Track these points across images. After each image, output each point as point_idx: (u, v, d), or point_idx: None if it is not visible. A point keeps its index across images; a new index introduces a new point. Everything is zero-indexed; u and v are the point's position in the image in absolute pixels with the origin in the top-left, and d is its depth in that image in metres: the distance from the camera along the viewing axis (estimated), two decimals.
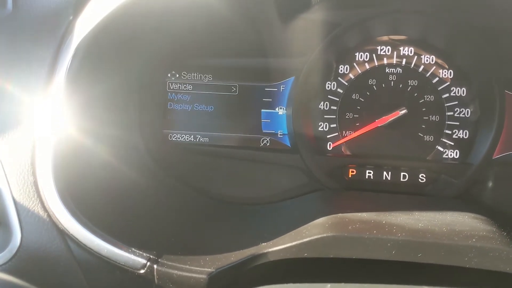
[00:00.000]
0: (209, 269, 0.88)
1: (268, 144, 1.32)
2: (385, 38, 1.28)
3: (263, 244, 0.94)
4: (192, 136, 1.33)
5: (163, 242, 0.97)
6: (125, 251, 0.90)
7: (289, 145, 1.31)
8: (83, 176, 1.01)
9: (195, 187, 1.28)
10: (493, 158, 1.25)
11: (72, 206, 0.93)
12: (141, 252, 0.90)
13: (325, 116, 1.30)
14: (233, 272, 0.89)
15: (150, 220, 1.09)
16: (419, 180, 1.27)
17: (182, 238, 1.01)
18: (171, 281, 0.88)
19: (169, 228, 1.07)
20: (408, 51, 1.27)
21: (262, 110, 1.31)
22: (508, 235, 0.96)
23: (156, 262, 0.89)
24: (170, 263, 0.90)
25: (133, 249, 0.90)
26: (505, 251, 0.87)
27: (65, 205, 0.93)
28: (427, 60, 1.27)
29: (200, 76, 1.32)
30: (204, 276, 0.87)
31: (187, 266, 0.90)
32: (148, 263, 0.89)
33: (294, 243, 0.90)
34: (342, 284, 0.78)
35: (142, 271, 0.89)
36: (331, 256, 0.89)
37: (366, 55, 1.28)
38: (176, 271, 0.89)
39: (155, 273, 0.89)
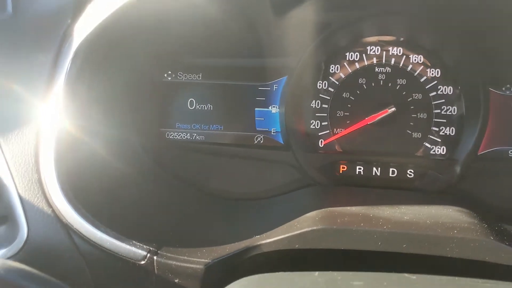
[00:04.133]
0: (206, 260, 0.94)
1: (261, 141, 1.37)
2: (374, 38, 1.33)
3: (257, 236, 1.00)
4: (189, 134, 1.38)
5: (162, 235, 1.03)
6: (127, 243, 0.96)
7: (282, 142, 1.36)
8: (85, 174, 1.06)
9: (191, 183, 1.34)
10: (478, 154, 1.29)
11: (74, 202, 0.99)
12: (141, 245, 0.96)
13: (316, 114, 1.35)
14: (229, 262, 0.94)
15: (150, 214, 1.15)
16: (407, 175, 1.32)
17: (180, 231, 1.07)
18: (170, 271, 0.94)
19: (168, 222, 1.13)
20: (396, 51, 1.32)
21: (256, 108, 1.36)
22: (489, 227, 1.01)
23: (156, 253, 0.95)
24: (169, 255, 0.95)
25: (134, 241, 0.96)
26: (484, 242, 0.92)
27: (68, 200, 0.99)
28: (415, 60, 1.31)
29: (196, 76, 1.37)
30: (201, 266, 0.93)
31: (185, 257, 0.96)
32: (148, 255, 0.95)
33: (286, 235, 0.95)
34: (329, 272, 0.84)
35: (142, 262, 0.95)
36: (321, 247, 0.94)
37: (356, 55, 1.33)
38: (174, 262, 0.94)
39: (155, 264, 0.94)
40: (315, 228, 0.95)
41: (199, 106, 1.37)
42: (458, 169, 1.30)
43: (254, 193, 1.33)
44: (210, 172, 1.36)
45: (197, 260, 0.94)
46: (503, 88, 1.29)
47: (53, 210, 0.99)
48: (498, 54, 1.29)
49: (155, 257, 0.94)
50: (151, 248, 0.96)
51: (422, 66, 1.33)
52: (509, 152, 1.30)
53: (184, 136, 1.38)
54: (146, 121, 1.35)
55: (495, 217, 1.14)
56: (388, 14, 1.30)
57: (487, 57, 1.28)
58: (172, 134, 1.38)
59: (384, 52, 1.33)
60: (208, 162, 1.37)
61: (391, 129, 1.34)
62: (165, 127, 1.38)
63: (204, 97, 1.37)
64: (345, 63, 1.34)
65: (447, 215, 1.07)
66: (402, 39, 1.32)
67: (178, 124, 1.38)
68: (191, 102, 1.37)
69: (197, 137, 1.38)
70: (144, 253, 0.95)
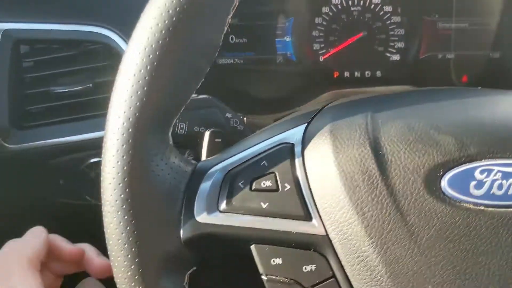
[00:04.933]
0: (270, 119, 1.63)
1: (281, 61, 1.90)
2: None
3: (296, 108, 1.70)
4: (232, 59, 1.89)
5: (244, 110, 1.67)
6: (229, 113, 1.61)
7: (295, 60, 1.91)
8: None
9: (239, 90, 1.93)
10: (420, 58, 1.90)
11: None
12: (236, 113, 1.60)
13: (316, 40, 1.87)
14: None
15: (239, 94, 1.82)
16: (377, 75, 1.95)
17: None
18: (252, 125, 1.59)
19: (243, 107, 1.74)
20: None
21: (276, 39, 1.89)
22: None
23: (244, 116, 1.61)
24: (250, 117, 1.62)
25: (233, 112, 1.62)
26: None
27: None
28: (375, 1, 1.86)
29: (235, 19, 1.84)
30: (271, 120, 1.61)
31: (258, 119, 1.63)
32: (241, 116, 1.60)
33: (319, 103, 1.63)
34: None
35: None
36: None
37: (339, 0, 1.91)
38: (253, 121, 1.60)
39: (244, 121, 1.60)
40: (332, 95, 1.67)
41: (237, 40, 1.88)
42: (408, 67, 1.91)
43: (281, 94, 1.91)
44: (248, 84, 1.91)
45: (264, 121, 1.59)
46: (431, 16, 1.90)
47: None
48: None
49: (244, 118, 1.62)
50: (242, 115, 1.61)
51: (380, 5, 1.85)
52: (438, 55, 1.94)
53: (229, 61, 1.89)
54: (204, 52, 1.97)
55: None
56: None
57: None
58: (221, 60, 1.89)
59: None
60: (246, 77, 1.90)
61: (364, 46, 1.87)
62: (218, 56, 1.95)
63: (241, 34, 1.86)
64: (332, 6, 1.86)
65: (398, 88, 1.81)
66: None
67: (224, 53, 1.90)
68: (232, 37, 1.89)
69: (237, 61, 1.89)
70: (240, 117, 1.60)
